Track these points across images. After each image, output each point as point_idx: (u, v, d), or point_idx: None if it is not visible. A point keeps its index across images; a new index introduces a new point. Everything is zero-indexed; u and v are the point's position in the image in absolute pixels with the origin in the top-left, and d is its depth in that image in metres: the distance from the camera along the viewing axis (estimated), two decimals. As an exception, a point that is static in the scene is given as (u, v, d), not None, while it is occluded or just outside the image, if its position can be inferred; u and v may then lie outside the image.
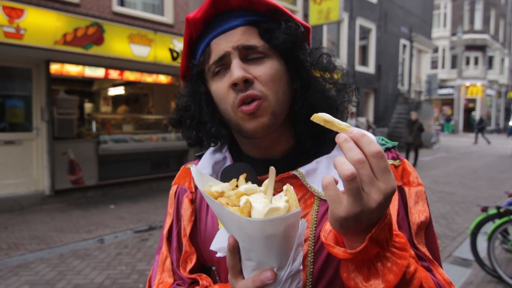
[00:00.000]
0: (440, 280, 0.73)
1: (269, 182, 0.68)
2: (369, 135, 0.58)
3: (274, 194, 0.70)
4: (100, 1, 7.81)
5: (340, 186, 0.58)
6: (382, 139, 0.88)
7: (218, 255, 0.74)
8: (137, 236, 5.83)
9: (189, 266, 0.92)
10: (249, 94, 0.77)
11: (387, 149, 0.87)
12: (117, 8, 8.14)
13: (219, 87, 0.81)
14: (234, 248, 0.66)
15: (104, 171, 8.55)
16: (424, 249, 0.77)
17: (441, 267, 0.79)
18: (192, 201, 0.95)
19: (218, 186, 0.71)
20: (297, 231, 0.66)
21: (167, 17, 9.12)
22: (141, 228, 6.20)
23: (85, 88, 11.00)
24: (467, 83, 33.09)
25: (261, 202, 0.63)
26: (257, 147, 0.88)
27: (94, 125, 9.18)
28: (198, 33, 0.85)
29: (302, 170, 0.84)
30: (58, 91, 8.34)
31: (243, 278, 0.69)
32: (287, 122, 0.87)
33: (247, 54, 0.80)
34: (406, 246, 0.62)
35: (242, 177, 0.74)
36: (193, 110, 0.88)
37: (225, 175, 0.85)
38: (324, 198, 0.79)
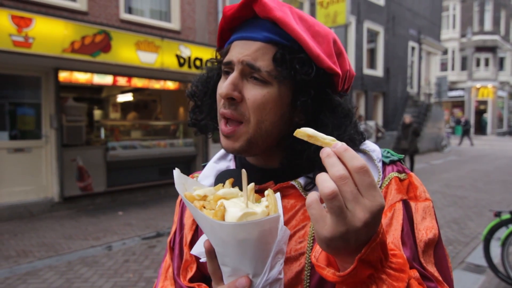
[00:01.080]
0: None
1: (243, 185, 0.66)
2: (351, 150, 0.54)
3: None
4: (108, 9, 7.89)
5: None
6: (388, 152, 0.85)
7: (202, 260, 0.73)
8: (144, 243, 5.82)
9: (189, 274, 0.91)
10: (226, 113, 0.78)
11: (392, 162, 0.84)
12: (125, 16, 8.21)
13: (219, 87, 0.82)
14: (210, 253, 0.65)
15: (113, 178, 8.59)
16: (432, 269, 0.72)
17: None
18: None
19: (201, 190, 0.69)
20: (275, 237, 0.63)
21: (174, 24, 9.17)
22: (149, 235, 6.19)
23: (94, 95, 11.11)
24: (478, 85, 32.67)
25: (236, 206, 0.62)
26: (256, 157, 0.88)
27: (102, 132, 9.24)
28: (229, 28, 0.86)
29: (301, 180, 0.82)
30: (67, 99, 8.42)
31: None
32: (282, 141, 0.82)
33: (250, 72, 0.77)
34: (404, 267, 0.59)
35: (228, 182, 0.72)
36: (197, 95, 0.93)
37: (218, 181, 0.83)
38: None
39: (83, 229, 6.50)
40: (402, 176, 0.82)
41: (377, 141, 17.20)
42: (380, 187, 0.80)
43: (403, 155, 0.87)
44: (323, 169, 0.54)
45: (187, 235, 0.92)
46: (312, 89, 0.78)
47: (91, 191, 8.22)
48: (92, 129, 9.51)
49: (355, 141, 0.81)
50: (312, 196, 0.54)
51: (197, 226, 0.93)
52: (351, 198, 0.51)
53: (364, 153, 0.84)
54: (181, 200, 0.99)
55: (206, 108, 0.91)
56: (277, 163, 0.85)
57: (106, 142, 8.71)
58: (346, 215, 0.51)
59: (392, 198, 0.77)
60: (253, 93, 0.76)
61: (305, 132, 0.58)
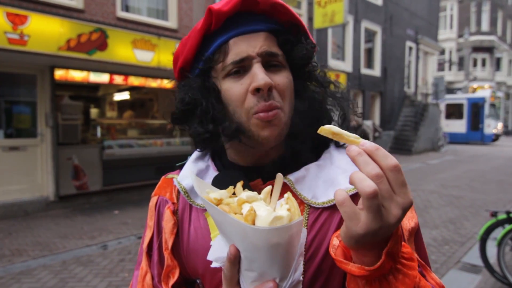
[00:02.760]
0: (434, 284, 0.72)
1: (275, 190, 0.66)
2: (382, 148, 0.56)
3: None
4: (105, 7, 7.84)
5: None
6: None
7: (214, 265, 0.70)
8: (140, 242, 5.78)
9: (172, 281, 0.88)
10: (272, 104, 0.76)
11: None
12: (121, 14, 8.16)
13: (234, 88, 0.78)
14: (236, 258, 0.63)
15: (109, 177, 8.54)
16: (415, 255, 0.74)
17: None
18: (174, 213, 0.91)
19: (216, 193, 0.68)
20: (299, 240, 0.64)
21: (171, 22, 9.13)
22: (144, 234, 6.15)
23: (91, 94, 11.03)
24: (475, 85, 32.77)
25: (264, 210, 0.61)
26: (250, 155, 0.85)
27: (99, 131, 9.19)
28: (218, 27, 0.80)
29: (291, 177, 0.82)
30: (63, 97, 8.37)
31: None
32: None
33: (268, 61, 0.79)
34: (413, 256, 0.62)
35: (239, 184, 0.71)
36: (205, 104, 0.81)
37: (218, 183, 0.80)
38: (315, 205, 0.78)
39: (78, 228, 6.46)
40: None
41: (374, 140, 17.22)
42: None
43: None
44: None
45: (168, 240, 0.88)
46: (309, 66, 0.85)
47: (87, 190, 8.17)
48: (88, 128, 9.45)
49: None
50: (342, 194, 0.55)
51: (178, 230, 0.89)
52: (387, 196, 0.53)
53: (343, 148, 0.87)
54: (156, 203, 0.94)
55: (222, 114, 0.81)
56: (269, 160, 0.85)
57: (102, 141, 8.66)
58: (382, 213, 0.53)
59: None
60: (279, 78, 0.79)
61: (330, 130, 0.58)
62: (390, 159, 0.53)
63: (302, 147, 0.84)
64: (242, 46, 0.78)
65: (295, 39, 0.82)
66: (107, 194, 8.48)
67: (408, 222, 0.78)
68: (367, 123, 16.82)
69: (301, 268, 0.65)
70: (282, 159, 0.85)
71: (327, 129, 0.59)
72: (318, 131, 0.60)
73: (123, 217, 7.18)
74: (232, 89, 0.78)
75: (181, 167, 0.97)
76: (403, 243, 0.62)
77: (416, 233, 0.79)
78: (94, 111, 11.04)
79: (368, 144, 0.55)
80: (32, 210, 7.32)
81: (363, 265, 0.58)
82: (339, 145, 0.87)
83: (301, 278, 0.66)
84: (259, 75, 0.75)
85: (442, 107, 24.15)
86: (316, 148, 0.86)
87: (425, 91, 22.18)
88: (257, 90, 0.75)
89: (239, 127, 0.79)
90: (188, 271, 0.89)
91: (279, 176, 0.67)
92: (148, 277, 0.91)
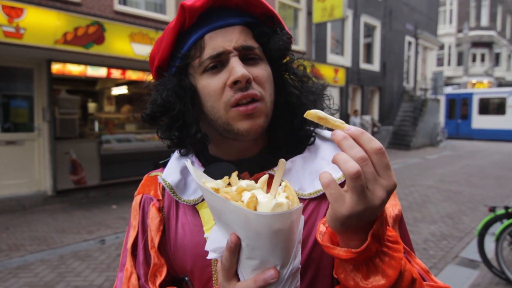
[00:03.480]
0: (419, 269, 0.74)
1: (277, 175, 0.66)
2: (367, 132, 0.57)
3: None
4: (102, 0, 7.76)
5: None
6: None
7: (211, 256, 0.68)
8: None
9: (159, 279, 0.86)
10: (250, 93, 0.76)
11: None
12: (119, 7, 8.09)
13: (212, 84, 0.78)
14: (236, 247, 0.62)
15: (107, 171, 8.52)
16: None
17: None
18: (160, 210, 0.89)
19: (213, 182, 0.68)
20: (298, 227, 0.64)
21: (169, 16, 9.06)
22: (142, 229, 6.14)
23: (89, 88, 10.98)
24: (474, 80, 32.74)
25: (264, 197, 0.62)
26: (234, 148, 0.85)
27: (96, 125, 9.15)
28: (192, 23, 0.79)
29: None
30: (60, 91, 8.32)
31: (238, 280, 0.65)
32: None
33: (245, 54, 0.79)
34: (398, 239, 0.63)
35: (234, 174, 0.71)
36: (178, 109, 0.80)
37: (210, 174, 0.79)
38: (302, 197, 0.79)
39: (76, 222, 6.44)
40: None
41: (373, 135, 17.19)
42: None
43: None
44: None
45: (154, 238, 0.86)
46: (285, 57, 0.86)
47: (85, 184, 8.15)
48: (86, 122, 9.42)
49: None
50: (327, 175, 0.56)
51: (164, 228, 0.88)
52: (371, 178, 0.54)
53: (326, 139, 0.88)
54: (140, 201, 0.92)
55: (192, 119, 0.81)
56: (253, 153, 0.85)
57: (100, 135, 8.63)
58: (367, 194, 0.54)
59: None
60: (257, 70, 0.79)
61: (316, 114, 0.59)
62: (375, 143, 0.55)
63: (284, 140, 0.85)
64: (218, 41, 0.77)
65: (271, 31, 0.82)
66: (105, 189, 8.46)
67: (392, 209, 0.79)
68: (366, 118, 16.81)
69: (299, 255, 0.65)
70: (265, 152, 0.85)
71: (313, 114, 0.59)
72: (305, 115, 0.60)
73: (121, 211, 7.17)
74: (210, 84, 0.78)
75: (164, 165, 0.95)
76: (388, 227, 0.63)
77: (400, 220, 0.80)
78: (92, 106, 10.99)
79: (354, 128, 0.56)
80: (30, 204, 7.30)
81: (350, 248, 0.59)
82: (323, 138, 0.88)
83: (299, 265, 0.66)
84: (236, 67, 0.75)
85: (475, 101, 23.66)
86: (300, 141, 0.87)
87: (424, 86, 22.15)
88: (234, 83, 0.75)
89: (204, 137, 0.81)
90: (176, 269, 0.87)
91: (282, 161, 0.66)
92: (134, 277, 0.88)
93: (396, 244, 0.61)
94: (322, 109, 0.89)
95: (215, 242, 0.68)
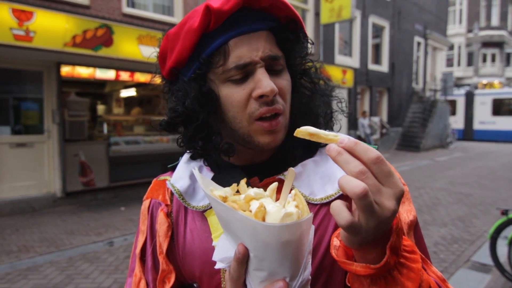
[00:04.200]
0: (435, 278, 0.70)
1: (286, 185, 0.63)
2: (361, 142, 0.54)
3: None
4: (110, 3, 7.81)
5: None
6: None
7: (219, 266, 0.66)
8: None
9: (167, 286, 0.84)
10: (276, 108, 0.74)
11: None
12: (127, 10, 8.14)
13: (236, 94, 0.74)
14: (244, 257, 0.60)
15: (115, 173, 8.56)
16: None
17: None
18: (168, 215, 0.87)
19: (221, 190, 0.66)
20: (308, 237, 0.62)
21: (177, 18, 9.09)
22: (150, 231, 6.15)
23: (98, 90, 11.07)
24: (484, 81, 32.35)
25: (273, 207, 0.59)
26: (246, 154, 0.83)
27: (105, 127, 9.21)
28: (217, 27, 0.74)
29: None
30: (69, 93, 8.38)
31: None
32: None
33: (271, 65, 0.76)
34: (415, 248, 0.60)
35: (243, 181, 0.68)
36: (202, 119, 0.77)
37: (218, 181, 0.76)
38: (313, 202, 0.77)
39: (85, 224, 6.47)
40: None
41: (382, 137, 17.10)
42: None
43: (376, 145, 0.87)
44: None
45: (163, 243, 0.85)
46: (301, 69, 0.85)
47: (94, 186, 8.20)
48: (95, 124, 9.48)
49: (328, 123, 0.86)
50: (336, 204, 0.53)
51: (172, 233, 0.86)
52: (375, 191, 0.51)
53: None
54: (149, 206, 0.91)
55: (216, 127, 0.79)
56: (263, 158, 0.83)
57: (109, 137, 8.68)
58: (375, 209, 0.51)
59: None
60: (282, 82, 0.77)
61: (307, 131, 0.57)
62: (371, 152, 0.52)
63: (296, 143, 0.82)
64: (244, 49, 0.73)
65: (294, 36, 0.80)
66: (113, 191, 8.50)
67: (407, 215, 0.77)
68: (375, 120, 16.69)
69: (310, 266, 0.63)
70: (277, 157, 0.83)
71: (303, 131, 0.57)
72: (295, 134, 0.58)
73: (129, 213, 7.19)
74: (234, 94, 0.75)
75: (173, 169, 0.93)
76: (403, 236, 0.60)
77: (415, 226, 0.78)
78: (100, 108, 11.07)
79: (347, 140, 0.53)
80: (39, 206, 7.36)
81: (368, 263, 0.56)
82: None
83: (309, 277, 0.64)
84: (264, 81, 0.72)
85: (489, 101, 23.35)
86: (311, 144, 0.83)
87: (433, 87, 21.94)
88: (260, 97, 0.73)
89: (231, 146, 0.79)
90: (185, 275, 0.86)
91: (291, 170, 0.64)
92: (143, 283, 0.87)
93: (413, 254, 0.59)
94: (332, 112, 0.88)
95: (223, 251, 0.66)
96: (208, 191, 0.64)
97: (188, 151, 0.88)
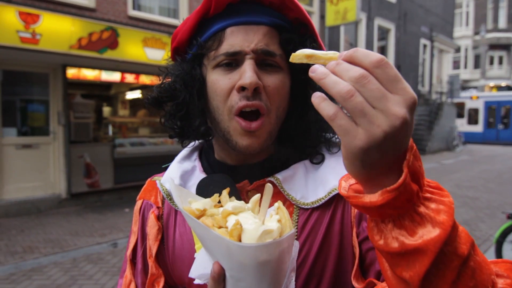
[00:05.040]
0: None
1: (264, 200, 0.59)
2: (362, 49, 0.47)
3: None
4: (116, 6, 7.87)
5: None
6: None
7: (197, 282, 0.64)
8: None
9: None
10: (255, 103, 0.71)
11: None
12: (133, 12, 8.19)
13: (221, 82, 0.73)
14: (220, 277, 0.57)
15: (120, 175, 8.60)
16: None
17: None
18: (159, 218, 0.86)
19: (199, 202, 0.62)
20: (290, 255, 0.57)
21: (182, 21, 9.13)
22: (154, 232, 6.16)
23: (103, 92, 11.12)
24: (491, 84, 32.09)
25: (251, 223, 0.55)
26: (238, 155, 0.80)
27: (110, 129, 9.26)
28: (218, 12, 0.75)
29: (279, 176, 0.77)
30: (75, 95, 8.44)
31: None
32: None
33: (264, 59, 0.74)
34: (439, 185, 0.52)
35: (225, 192, 0.65)
36: (183, 98, 0.77)
37: (202, 189, 0.76)
38: (304, 206, 0.74)
39: (89, 225, 6.50)
40: None
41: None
42: None
43: None
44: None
45: (152, 247, 0.83)
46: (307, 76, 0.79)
47: (98, 187, 8.24)
48: (100, 126, 9.53)
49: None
50: (331, 107, 0.45)
51: (162, 237, 0.84)
52: (379, 96, 0.43)
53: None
54: (140, 207, 0.89)
55: (197, 111, 0.78)
56: (256, 159, 0.81)
57: (114, 139, 8.73)
58: (378, 116, 0.43)
59: None
60: (272, 80, 0.74)
61: (303, 54, 0.50)
62: (373, 55, 0.44)
63: (292, 150, 0.81)
64: (237, 38, 0.73)
65: (300, 39, 0.76)
66: (118, 192, 8.54)
67: None
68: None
69: (292, 285, 0.60)
70: (270, 159, 0.81)
71: (300, 54, 0.51)
72: (290, 60, 0.52)
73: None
74: (219, 82, 0.74)
75: (166, 169, 0.92)
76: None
77: None
78: (106, 110, 11.13)
79: (346, 51, 0.47)
80: (45, 207, 7.41)
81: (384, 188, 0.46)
82: (329, 149, 0.82)
83: None
84: (247, 73, 0.70)
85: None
86: (305, 148, 0.82)
87: (439, 90, 21.80)
88: (242, 89, 0.71)
89: (208, 130, 0.77)
90: (174, 279, 0.84)
91: (268, 186, 0.60)
92: (133, 286, 0.86)
93: (440, 190, 0.51)
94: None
95: (201, 267, 0.64)
96: (185, 204, 0.61)
97: (172, 135, 0.86)
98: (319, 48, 0.77)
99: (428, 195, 0.48)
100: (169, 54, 0.87)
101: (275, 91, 0.74)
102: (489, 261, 0.54)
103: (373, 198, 0.46)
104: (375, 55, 0.44)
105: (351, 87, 0.43)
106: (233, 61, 0.73)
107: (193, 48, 0.78)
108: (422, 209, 0.47)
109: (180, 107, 0.78)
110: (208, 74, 0.76)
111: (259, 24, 0.74)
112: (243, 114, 0.72)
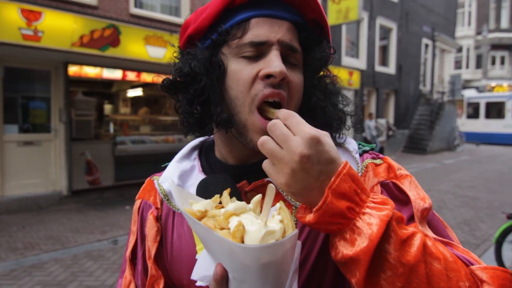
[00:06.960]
0: (461, 251, 0.65)
1: (266, 201, 0.59)
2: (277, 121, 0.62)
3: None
4: (118, 4, 7.87)
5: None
6: (359, 144, 0.84)
7: (199, 284, 0.64)
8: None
9: None
10: (281, 93, 0.72)
11: (365, 152, 0.82)
12: (134, 10, 8.20)
13: (244, 71, 0.72)
14: (223, 279, 0.57)
15: (121, 172, 8.62)
16: (391, 201, 0.64)
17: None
18: (157, 219, 0.84)
19: (200, 204, 0.62)
20: (293, 256, 0.57)
21: (184, 18, 9.11)
22: (154, 230, 6.18)
23: (105, 90, 11.14)
24: (493, 84, 32.02)
25: (254, 224, 0.55)
26: (241, 151, 0.79)
27: (111, 126, 9.27)
28: (243, 2, 0.74)
29: None
30: (76, 93, 8.46)
31: None
32: None
33: (286, 55, 0.74)
34: (386, 200, 0.58)
35: (226, 193, 0.65)
36: (204, 83, 0.74)
37: (202, 190, 0.75)
38: None
39: (90, 222, 6.52)
40: (377, 161, 0.79)
41: (388, 139, 17.00)
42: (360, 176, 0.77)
43: (374, 145, 0.90)
44: None
45: (151, 248, 0.82)
46: (322, 71, 0.83)
47: (99, 185, 8.26)
48: (101, 124, 9.55)
49: (339, 126, 0.83)
50: (263, 138, 0.60)
51: (161, 238, 0.83)
52: (283, 138, 0.57)
53: (341, 146, 0.82)
54: (139, 207, 0.88)
55: (218, 97, 0.75)
56: (257, 158, 0.79)
57: (115, 137, 8.74)
58: (282, 154, 0.57)
59: (370, 183, 0.76)
60: (294, 76, 0.75)
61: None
62: (284, 111, 0.62)
63: None
64: (263, 29, 0.72)
65: (317, 39, 0.78)
66: (119, 190, 8.56)
67: (423, 202, 0.71)
68: (381, 122, 16.60)
69: (295, 286, 0.60)
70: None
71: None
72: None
73: (134, 212, 7.22)
74: (242, 71, 0.72)
75: (165, 168, 0.90)
76: (376, 193, 0.62)
77: (430, 213, 0.73)
78: (107, 107, 11.15)
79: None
80: (46, 204, 7.43)
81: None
82: (345, 150, 0.82)
83: None
84: (275, 61, 0.70)
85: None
86: None
87: (441, 89, 21.77)
88: (267, 77, 0.70)
89: (230, 118, 0.74)
90: (174, 281, 0.83)
91: (271, 187, 0.60)
92: (132, 287, 0.85)
93: (382, 205, 0.56)
94: (345, 118, 0.84)
95: (202, 269, 0.63)
96: (186, 206, 0.61)
97: (183, 119, 0.82)
98: (329, 47, 0.81)
99: (367, 210, 0.56)
100: (172, 50, 0.85)
101: (297, 88, 0.75)
102: (477, 267, 0.59)
103: (309, 217, 0.57)
104: (284, 111, 0.62)
105: (264, 138, 0.60)
106: (258, 53, 0.73)
107: (213, 35, 0.75)
108: (359, 223, 0.55)
109: (202, 91, 0.75)
110: (230, 63, 0.74)
111: (282, 19, 0.74)
112: (262, 107, 0.71)
